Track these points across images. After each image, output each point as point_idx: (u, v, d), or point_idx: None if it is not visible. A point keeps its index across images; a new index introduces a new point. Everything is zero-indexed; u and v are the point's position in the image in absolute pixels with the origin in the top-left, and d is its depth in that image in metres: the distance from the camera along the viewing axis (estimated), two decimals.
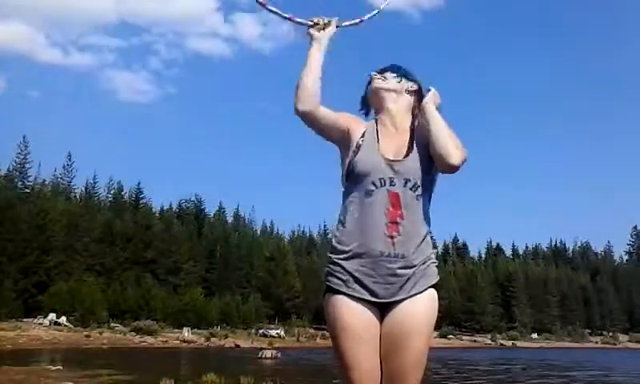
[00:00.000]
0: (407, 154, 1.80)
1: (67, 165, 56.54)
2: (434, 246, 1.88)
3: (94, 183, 59.09)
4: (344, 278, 1.73)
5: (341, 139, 1.86)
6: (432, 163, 1.80)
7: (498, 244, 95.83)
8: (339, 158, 1.89)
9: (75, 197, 56.49)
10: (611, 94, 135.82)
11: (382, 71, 1.94)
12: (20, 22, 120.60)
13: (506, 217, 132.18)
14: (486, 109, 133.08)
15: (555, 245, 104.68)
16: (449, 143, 1.75)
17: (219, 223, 66.42)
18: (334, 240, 1.81)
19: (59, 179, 55.82)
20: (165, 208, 64.28)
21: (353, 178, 1.80)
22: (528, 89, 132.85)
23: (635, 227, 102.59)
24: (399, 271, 1.71)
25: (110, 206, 57.46)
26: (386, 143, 1.82)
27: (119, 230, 51.24)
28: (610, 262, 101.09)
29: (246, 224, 73.14)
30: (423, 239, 1.79)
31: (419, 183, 1.76)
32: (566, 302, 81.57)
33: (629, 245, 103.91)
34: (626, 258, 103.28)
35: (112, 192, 60.65)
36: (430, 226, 1.83)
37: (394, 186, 1.75)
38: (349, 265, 1.73)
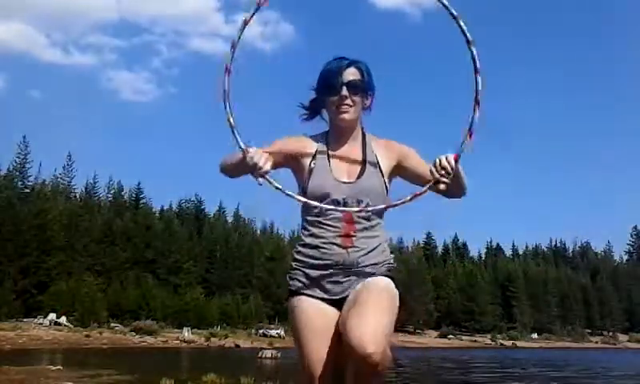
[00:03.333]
0: (360, 175, 1.87)
1: (67, 165, 56.64)
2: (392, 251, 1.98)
3: (94, 183, 59.23)
4: (303, 280, 1.86)
5: (289, 164, 1.91)
6: (383, 181, 1.88)
7: (498, 244, 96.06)
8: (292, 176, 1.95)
9: (75, 197, 56.49)
10: (611, 93, 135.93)
11: (350, 88, 1.84)
12: (20, 22, 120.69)
13: (506, 217, 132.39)
14: (487, 107, 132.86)
15: (555, 245, 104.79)
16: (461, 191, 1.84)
17: (219, 223, 66.43)
18: (294, 252, 1.93)
19: (59, 179, 55.87)
20: (165, 208, 64.45)
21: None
22: (529, 88, 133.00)
23: (635, 227, 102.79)
24: (354, 276, 1.83)
25: (110, 206, 57.49)
26: (338, 163, 1.88)
27: (119, 230, 51.28)
28: (609, 262, 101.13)
29: (246, 224, 73.16)
30: (377, 248, 1.88)
31: (371, 202, 1.82)
32: (566, 301, 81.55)
33: (629, 245, 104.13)
34: (625, 257, 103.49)
35: (112, 192, 60.79)
36: (385, 237, 1.93)
37: (346, 205, 1.83)
38: (307, 270, 1.87)
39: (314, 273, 1.84)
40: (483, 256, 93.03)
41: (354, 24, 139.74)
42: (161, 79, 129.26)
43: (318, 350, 1.78)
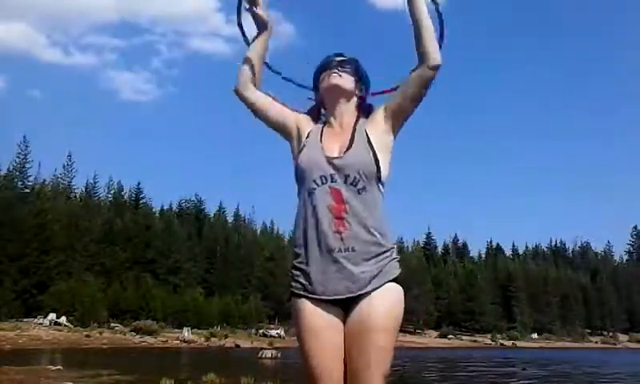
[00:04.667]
0: (347, 150, 1.82)
1: (67, 165, 56.59)
2: (399, 245, 1.90)
3: (94, 183, 59.17)
4: (303, 281, 1.79)
5: (284, 132, 1.96)
6: (372, 154, 1.82)
7: (497, 244, 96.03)
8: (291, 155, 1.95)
9: (75, 197, 56.46)
10: (611, 93, 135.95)
11: (340, 63, 1.94)
12: (20, 22, 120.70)
13: (506, 217, 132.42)
14: (487, 107, 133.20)
15: (555, 245, 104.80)
16: (434, 43, 1.89)
17: (219, 223, 66.40)
18: (292, 246, 1.87)
19: (59, 179, 55.79)
20: (165, 208, 64.43)
21: (299, 179, 1.86)
22: (529, 87, 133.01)
23: (635, 227, 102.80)
24: (352, 266, 1.73)
25: (110, 206, 57.47)
26: (329, 142, 1.87)
27: (119, 230, 51.25)
28: (610, 262, 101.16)
29: (246, 224, 73.14)
30: (375, 232, 1.78)
31: (359, 178, 1.78)
32: (566, 302, 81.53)
33: (629, 245, 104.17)
34: (625, 257, 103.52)
35: (112, 192, 60.75)
36: (382, 219, 1.82)
37: (335, 182, 1.78)
38: (306, 267, 1.78)
39: (310, 268, 1.76)
40: (483, 256, 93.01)
41: (354, 24, 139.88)
42: (161, 79, 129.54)
43: (319, 352, 1.74)
